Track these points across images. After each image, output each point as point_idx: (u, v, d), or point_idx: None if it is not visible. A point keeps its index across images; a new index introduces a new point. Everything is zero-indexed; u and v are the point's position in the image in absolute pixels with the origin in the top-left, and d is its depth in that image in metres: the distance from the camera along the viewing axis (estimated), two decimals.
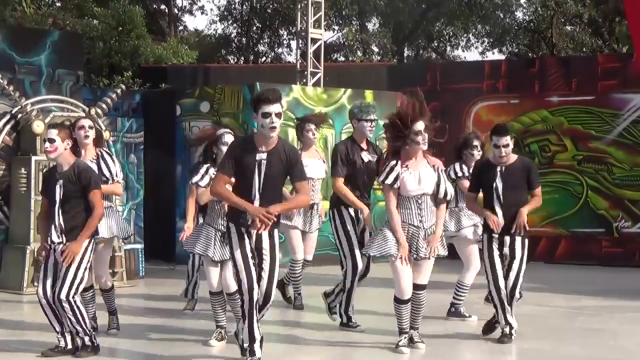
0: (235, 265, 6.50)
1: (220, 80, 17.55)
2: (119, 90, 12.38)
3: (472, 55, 53.17)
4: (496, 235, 7.62)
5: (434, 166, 7.23)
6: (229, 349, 7.37)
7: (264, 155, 6.39)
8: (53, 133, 7.02)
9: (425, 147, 7.19)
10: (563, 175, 14.55)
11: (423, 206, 7.15)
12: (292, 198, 6.71)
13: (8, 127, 11.36)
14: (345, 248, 8.14)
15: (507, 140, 7.59)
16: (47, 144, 7.01)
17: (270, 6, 31.27)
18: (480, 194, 7.93)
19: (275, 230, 6.54)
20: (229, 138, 7.57)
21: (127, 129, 12.45)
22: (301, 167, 6.56)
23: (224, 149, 7.42)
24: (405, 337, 7.29)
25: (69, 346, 7.06)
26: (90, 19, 24.69)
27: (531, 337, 7.79)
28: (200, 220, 8.05)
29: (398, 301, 7.21)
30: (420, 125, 7.12)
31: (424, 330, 7.56)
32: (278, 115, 6.34)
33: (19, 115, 11.33)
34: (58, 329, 7.03)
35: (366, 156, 8.19)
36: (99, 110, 11.64)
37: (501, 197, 7.58)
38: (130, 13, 23.17)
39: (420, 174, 7.13)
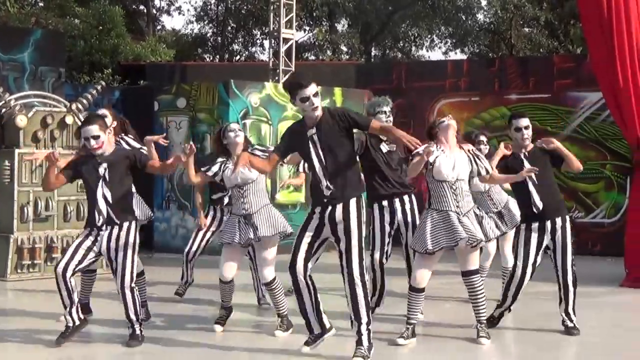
0: None
1: (196, 78, 17.48)
2: (99, 87, 12.30)
3: (435, 55, 53.46)
4: (536, 224, 7.42)
5: (468, 150, 7.04)
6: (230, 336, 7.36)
7: (314, 130, 6.25)
8: (95, 130, 6.66)
9: (453, 124, 6.99)
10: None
11: (458, 192, 6.88)
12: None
13: None
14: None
15: (527, 122, 7.44)
16: (93, 142, 6.64)
17: (245, 7, 31.17)
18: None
19: (352, 202, 6.23)
20: (234, 125, 7.48)
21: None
22: (358, 116, 6.38)
23: (232, 135, 7.36)
24: (408, 329, 7.02)
25: (77, 322, 6.76)
26: (72, 18, 24.56)
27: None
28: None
29: (412, 289, 6.99)
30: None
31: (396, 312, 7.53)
32: (316, 95, 6.22)
33: (3, 110, 11.23)
34: (67, 303, 6.69)
35: (385, 147, 7.78)
36: (79, 106, 11.56)
37: (535, 180, 7.33)
38: (110, 13, 23.09)
39: (456, 159, 6.91)
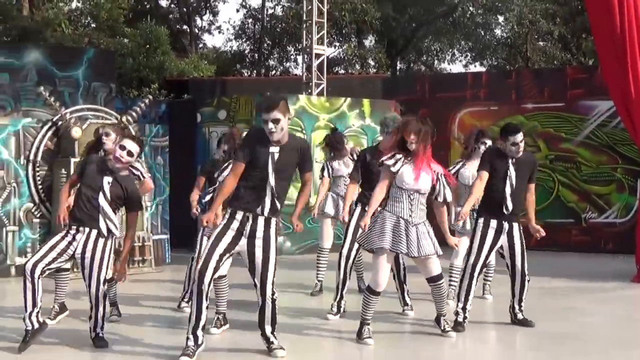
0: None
1: (235, 91, 17.55)
2: (147, 101, 12.38)
3: (456, 67, 53.18)
4: (495, 222, 7.26)
5: (434, 172, 6.65)
6: (234, 334, 7.33)
7: (277, 149, 5.95)
8: (134, 148, 6.39)
9: (413, 147, 6.53)
10: (537, 173, 14.49)
11: (414, 202, 6.52)
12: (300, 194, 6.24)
13: (50, 133, 11.38)
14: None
15: (522, 136, 7.32)
16: (127, 158, 6.37)
17: (279, 26, 31.22)
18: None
19: (273, 221, 6.00)
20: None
21: (154, 134, 12.45)
22: (310, 160, 6.21)
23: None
24: (368, 328, 6.65)
25: (36, 326, 6.24)
26: (121, 38, 24.74)
27: (507, 315, 7.69)
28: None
29: (370, 291, 6.61)
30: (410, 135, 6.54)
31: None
32: (276, 121, 5.86)
33: (60, 123, 11.34)
34: (30, 309, 6.20)
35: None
36: (129, 118, 11.65)
37: (514, 184, 7.27)
38: (156, 33, 23.23)
39: (421, 173, 6.52)
